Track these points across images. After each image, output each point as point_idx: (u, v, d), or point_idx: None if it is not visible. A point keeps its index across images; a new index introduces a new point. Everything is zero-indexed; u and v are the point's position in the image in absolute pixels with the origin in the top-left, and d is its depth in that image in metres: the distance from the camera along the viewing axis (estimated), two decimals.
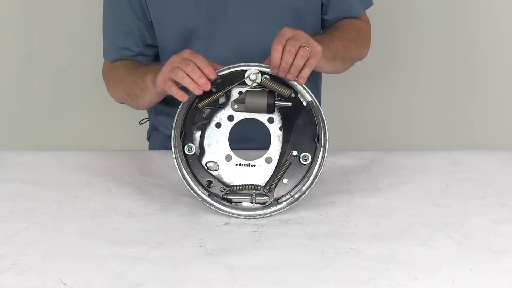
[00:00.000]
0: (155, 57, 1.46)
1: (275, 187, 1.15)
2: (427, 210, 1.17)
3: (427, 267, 1.01)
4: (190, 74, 1.11)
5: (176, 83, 1.14)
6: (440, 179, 1.27)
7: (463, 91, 2.21)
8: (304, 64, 1.13)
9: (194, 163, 1.16)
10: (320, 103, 1.16)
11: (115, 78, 1.40)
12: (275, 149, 1.17)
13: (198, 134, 1.17)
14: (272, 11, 1.37)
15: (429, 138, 2.24)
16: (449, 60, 2.17)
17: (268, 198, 1.14)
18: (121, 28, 1.41)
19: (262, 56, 1.19)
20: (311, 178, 1.15)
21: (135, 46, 1.41)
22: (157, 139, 1.58)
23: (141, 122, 1.63)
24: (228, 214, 1.15)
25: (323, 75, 1.59)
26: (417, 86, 2.21)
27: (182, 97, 1.14)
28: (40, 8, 2.13)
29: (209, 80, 1.12)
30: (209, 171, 1.17)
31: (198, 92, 1.12)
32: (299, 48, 1.12)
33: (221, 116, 1.17)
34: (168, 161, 1.20)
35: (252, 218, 1.15)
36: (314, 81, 1.49)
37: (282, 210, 1.16)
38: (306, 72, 1.13)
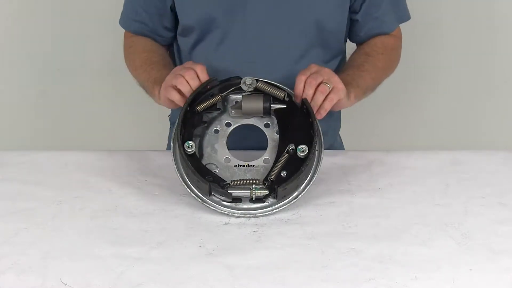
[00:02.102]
0: (170, 45, 1.50)
1: (273, 179, 1.15)
2: (427, 210, 1.17)
3: (427, 267, 1.01)
4: (188, 79, 1.20)
5: (177, 89, 1.22)
6: (440, 179, 1.27)
7: (463, 91, 2.21)
8: (324, 99, 1.20)
9: (194, 163, 1.16)
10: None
11: (131, 60, 1.45)
12: (272, 151, 1.19)
13: (197, 139, 1.21)
14: (292, 15, 1.36)
15: (429, 138, 2.24)
16: (449, 60, 2.16)
17: (267, 191, 1.14)
18: (139, 4, 1.44)
19: (272, 55, 1.28)
20: (309, 175, 1.17)
21: (150, 22, 1.45)
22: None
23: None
24: (227, 213, 1.15)
25: None
26: (417, 86, 2.21)
27: (179, 101, 1.21)
28: (40, 8, 2.12)
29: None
30: (209, 170, 1.18)
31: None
32: (320, 83, 1.19)
33: (219, 122, 1.23)
34: (168, 161, 1.21)
35: (252, 217, 1.15)
36: None
37: (281, 208, 1.16)
38: (325, 107, 1.20)
